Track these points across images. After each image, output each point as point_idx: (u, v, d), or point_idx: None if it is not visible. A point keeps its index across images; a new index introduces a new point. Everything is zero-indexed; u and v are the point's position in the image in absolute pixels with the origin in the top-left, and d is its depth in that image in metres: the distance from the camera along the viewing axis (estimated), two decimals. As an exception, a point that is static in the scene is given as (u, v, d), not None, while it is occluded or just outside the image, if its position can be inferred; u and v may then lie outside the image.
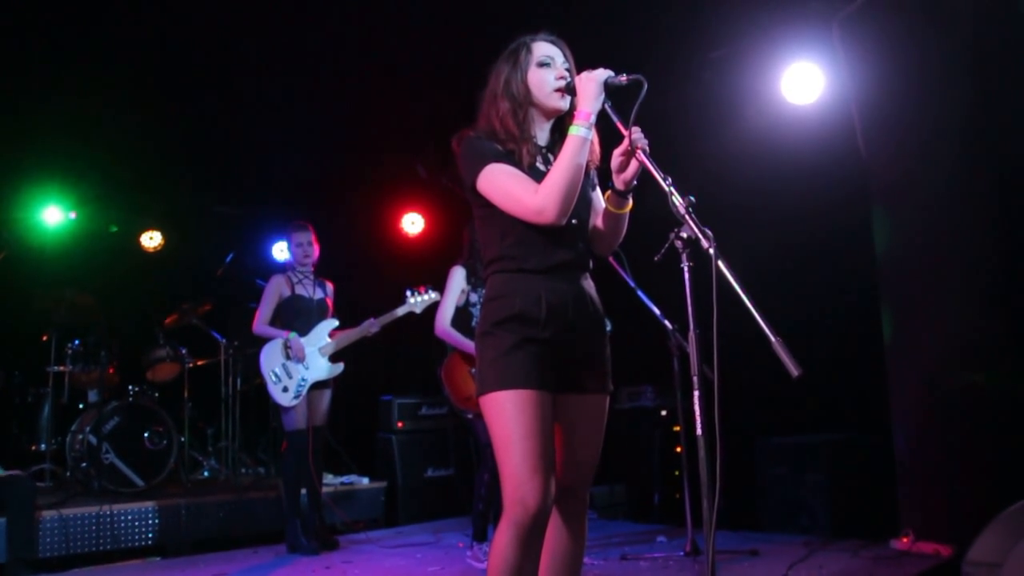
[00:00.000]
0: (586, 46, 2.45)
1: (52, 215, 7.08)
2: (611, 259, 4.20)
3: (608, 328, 2.38)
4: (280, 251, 7.82)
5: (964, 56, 4.42)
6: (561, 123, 2.32)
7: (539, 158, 2.26)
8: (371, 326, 5.00)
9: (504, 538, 2.06)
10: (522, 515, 2.04)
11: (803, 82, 5.04)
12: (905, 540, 4.26)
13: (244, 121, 6.41)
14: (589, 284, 2.30)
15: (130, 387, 6.22)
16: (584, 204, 2.29)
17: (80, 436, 5.73)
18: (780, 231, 5.41)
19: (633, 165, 2.14)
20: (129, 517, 5.08)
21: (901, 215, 4.59)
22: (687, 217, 1.93)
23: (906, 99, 4.50)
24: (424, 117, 6.29)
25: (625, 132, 2.09)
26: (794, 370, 1.71)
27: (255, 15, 5.02)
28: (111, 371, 6.26)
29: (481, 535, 4.42)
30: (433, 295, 4.94)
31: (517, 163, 2.20)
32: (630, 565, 4.26)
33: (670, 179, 1.99)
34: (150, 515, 5.15)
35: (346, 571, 4.38)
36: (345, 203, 7.72)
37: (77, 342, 6.24)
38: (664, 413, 6.09)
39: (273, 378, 4.86)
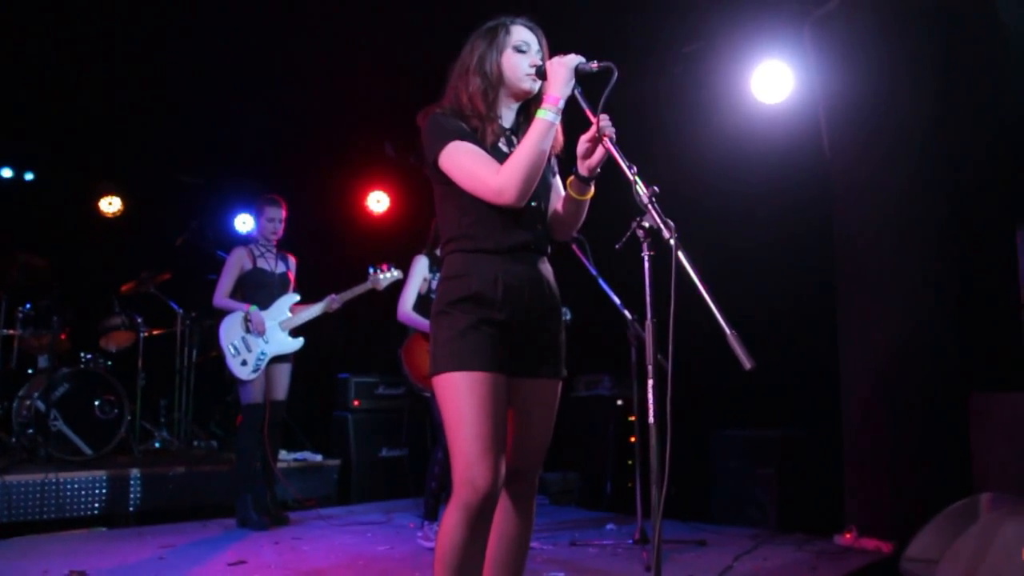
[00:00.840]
0: (559, 35, 2.44)
1: (8, 174, 6.91)
2: (574, 246, 4.22)
3: (567, 317, 2.39)
4: (243, 223, 7.73)
5: (931, 62, 4.49)
6: (528, 106, 2.32)
7: (503, 139, 2.26)
8: (332, 302, 4.97)
9: (452, 519, 2.07)
10: (471, 496, 2.05)
11: (773, 81, 5.09)
12: (848, 536, 4.36)
13: (211, 90, 6.30)
14: (547, 268, 2.31)
15: (82, 354, 6.11)
16: (544, 188, 2.30)
17: (28, 402, 5.61)
18: (742, 227, 5.47)
19: (599, 152, 2.14)
20: (75, 486, 5.00)
21: (860, 216, 4.66)
22: (650, 207, 1.94)
23: (872, 102, 4.56)
24: (394, 95, 6.22)
25: (593, 119, 2.10)
26: (747, 362, 1.73)
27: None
28: (63, 337, 6.14)
29: (432, 515, 4.43)
30: (395, 273, 4.93)
31: (480, 142, 2.19)
32: (579, 551, 4.30)
33: (635, 168, 2.00)
34: (97, 484, 5.08)
35: (296, 547, 4.36)
36: (311, 178, 7.63)
37: (28, 306, 6.09)
38: (620, 402, 6.14)
39: (232, 351, 4.81)
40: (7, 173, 7.10)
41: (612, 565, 3.97)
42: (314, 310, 4.98)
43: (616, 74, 2.09)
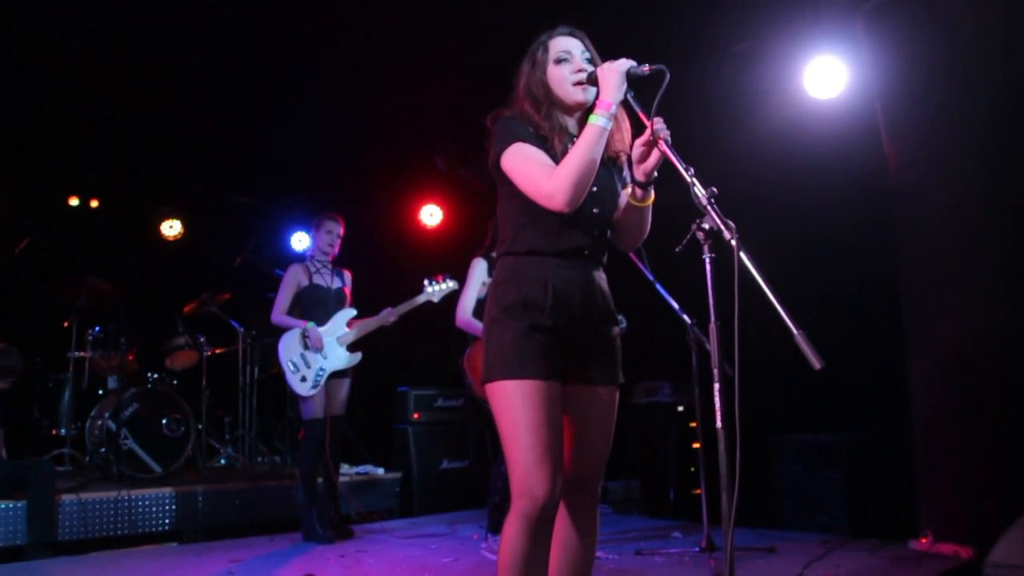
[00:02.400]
0: (607, 40, 2.44)
1: (75, 202, 7.14)
2: (630, 252, 4.18)
3: (623, 326, 2.37)
4: (299, 241, 7.85)
5: (992, 51, 4.35)
6: (588, 115, 2.30)
7: (570, 146, 2.24)
8: (389, 315, 5.00)
9: (512, 530, 2.06)
10: (530, 506, 2.03)
11: (826, 76, 4.99)
12: (924, 541, 4.22)
13: (263, 111, 6.43)
14: (600, 275, 2.29)
15: (149, 374, 6.28)
16: (610, 196, 2.28)
17: (99, 422, 5.78)
18: (801, 226, 5.38)
19: (654, 156, 2.12)
20: (146, 502, 5.12)
21: (923, 211, 4.53)
22: (709, 208, 1.91)
23: (931, 94, 4.43)
24: (444, 109, 6.28)
25: (647, 122, 2.08)
26: (816, 363, 1.69)
27: (279, 5, 5.02)
28: (130, 358, 6.31)
29: (496, 527, 4.42)
30: (451, 284, 4.94)
31: (549, 150, 2.20)
32: (645, 560, 4.24)
33: (692, 170, 1.97)
34: (167, 501, 5.19)
35: (360, 560, 4.39)
36: (364, 194, 7.73)
37: (98, 328, 6.29)
38: (681, 408, 6.06)
39: (291, 368, 4.88)
40: (74, 201, 7.35)
41: (680, 574, 3.91)
42: (371, 324, 5.02)
43: (668, 76, 2.07)
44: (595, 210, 2.22)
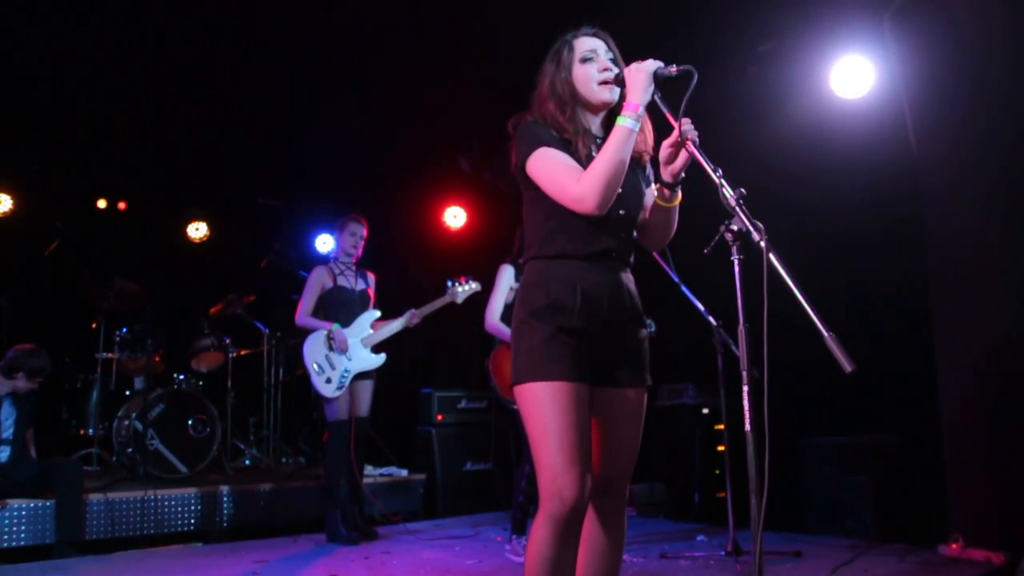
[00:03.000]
0: (632, 40, 2.42)
1: (103, 204, 7.22)
2: (655, 254, 4.16)
3: (652, 329, 2.35)
4: (323, 243, 7.89)
5: (1020, 54, 4.28)
6: (613, 116, 2.29)
7: (595, 148, 2.23)
8: (413, 317, 5.01)
9: (541, 532, 2.05)
10: (559, 508, 2.02)
11: (853, 76, 4.93)
12: (954, 546, 4.16)
13: (288, 114, 6.47)
14: (628, 277, 2.27)
15: (175, 375, 6.33)
16: (635, 196, 2.27)
17: (126, 422, 5.84)
18: (828, 227, 5.31)
19: (682, 157, 2.11)
20: (172, 502, 5.17)
21: (953, 212, 4.47)
22: (738, 209, 1.89)
23: (960, 94, 4.37)
24: (468, 111, 6.28)
25: (675, 123, 2.06)
26: (847, 365, 1.66)
27: (303, 8, 5.05)
28: (157, 359, 6.38)
29: (520, 529, 4.41)
30: (474, 285, 4.95)
31: (573, 152, 2.18)
32: (670, 563, 4.22)
33: (720, 171, 1.95)
34: (193, 501, 5.23)
35: (385, 562, 4.40)
36: (388, 196, 7.76)
37: (125, 330, 6.36)
38: (706, 411, 6.02)
39: (316, 369, 4.90)
40: (102, 204, 7.44)
41: (705, 578, 3.88)
42: (395, 326, 5.03)
43: (696, 77, 2.06)
44: (621, 212, 2.21)
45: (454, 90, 6.09)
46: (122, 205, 7.52)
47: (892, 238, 5.09)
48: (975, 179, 4.34)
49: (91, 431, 6.21)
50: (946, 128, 4.48)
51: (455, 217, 7.91)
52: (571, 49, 2.28)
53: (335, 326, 4.94)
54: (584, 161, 2.17)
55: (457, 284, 5.00)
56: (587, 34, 2.30)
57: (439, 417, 6.51)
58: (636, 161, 2.29)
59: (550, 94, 2.26)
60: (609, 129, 2.23)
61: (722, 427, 4.46)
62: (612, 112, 2.28)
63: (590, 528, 2.23)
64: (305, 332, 5.05)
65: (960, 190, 4.42)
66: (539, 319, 2.14)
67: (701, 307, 4.19)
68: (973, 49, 4.33)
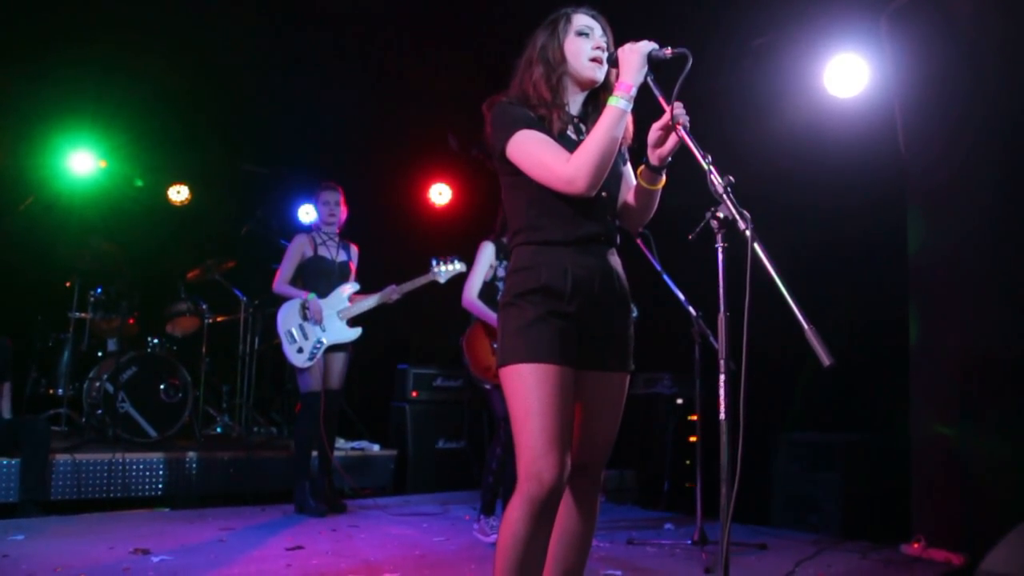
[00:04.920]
0: (624, 30, 2.40)
1: (80, 162, 7.09)
2: (638, 240, 4.15)
3: (635, 314, 2.34)
4: (306, 213, 7.82)
5: (1017, 58, 4.28)
6: (595, 96, 2.28)
7: (570, 127, 2.22)
8: (392, 292, 4.97)
9: (516, 512, 2.04)
10: (537, 490, 2.01)
11: (847, 74, 4.92)
12: (916, 545, 4.21)
13: (277, 82, 6.39)
14: (616, 260, 2.26)
15: (149, 338, 6.26)
16: (615, 178, 2.25)
17: (97, 383, 5.77)
18: (811, 225, 5.32)
19: (671, 140, 2.09)
20: (140, 466, 5.12)
21: (938, 218, 4.49)
22: (725, 197, 1.88)
23: (952, 99, 4.38)
24: (457, 87, 6.22)
25: (666, 107, 2.04)
26: (826, 359, 1.66)
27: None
28: (131, 321, 6.30)
29: (489, 509, 4.41)
30: (459, 266, 4.91)
31: (547, 130, 2.16)
32: (637, 550, 4.23)
33: (710, 157, 1.94)
34: (161, 466, 5.20)
35: (352, 535, 4.38)
36: (374, 170, 7.69)
37: (99, 290, 6.28)
38: (680, 401, 6.04)
39: (289, 338, 4.87)
40: (82, 162, 7.28)
41: (670, 566, 3.90)
42: (373, 300, 4.99)
43: (691, 60, 2.03)
44: (604, 194, 2.19)
45: (444, 66, 6.04)
46: (102, 164, 7.39)
47: (875, 241, 5.12)
48: (961, 186, 4.36)
49: (60, 391, 6.13)
50: (936, 133, 4.49)
51: (440, 194, 7.86)
52: (568, 21, 2.25)
53: (311, 295, 4.89)
54: (557, 137, 2.15)
55: (441, 263, 4.95)
56: (586, 12, 2.28)
57: (414, 394, 6.49)
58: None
59: (539, 58, 2.23)
60: (588, 111, 2.21)
61: (695, 418, 4.47)
62: (594, 94, 2.27)
63: (563, 511, 2.22)
64: (282, 300, 5.01)
65: (948, 198, 4.43)
66: (528, 301, 2.12)
67: (682, 296, 4.19)
68: (970, 55, 4.32)
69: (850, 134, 5.03)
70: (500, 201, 2.36)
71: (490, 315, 4.37)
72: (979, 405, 4.18)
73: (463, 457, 6.52)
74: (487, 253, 4.53)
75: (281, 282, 4.97)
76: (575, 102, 2.28)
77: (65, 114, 6.77)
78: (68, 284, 6.28)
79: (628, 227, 2.34)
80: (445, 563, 3.78)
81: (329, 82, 6.38)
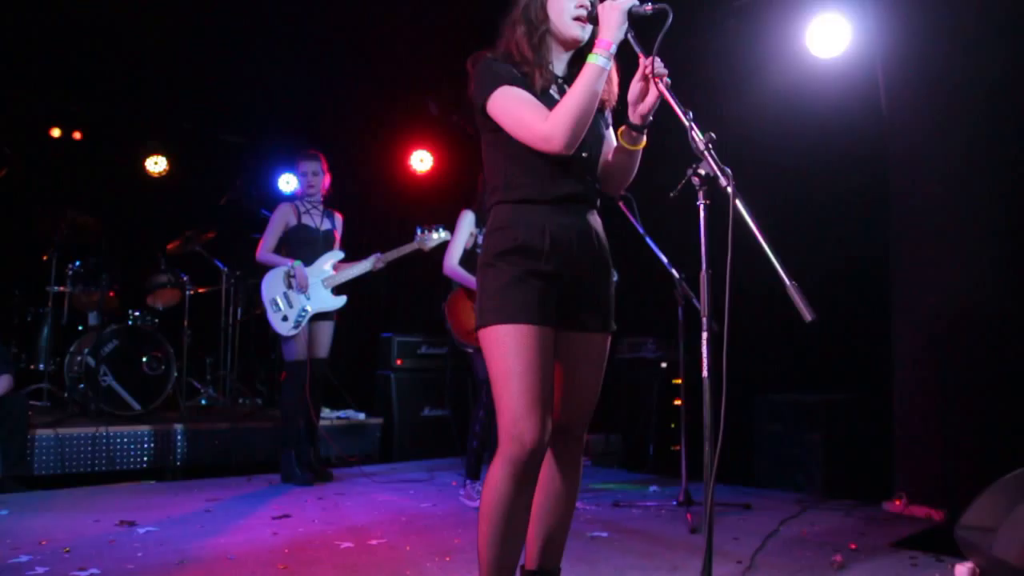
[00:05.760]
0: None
1: (56, 133, 6.97)
2: (621, 204, 4.13)
3: (614, 277, 2.32)
4: (286, 183, 7.73)
5: (997, 20, 4.26)
6: (580, 56, 2.24)
7: (553, 86, 2.18)
8: (377, 261, 4.95)
9: (498, 474, 2.03)
10: (518, 451, 2.00)
11: (829, 34, 4.89)
12: (898, 503, 4.27)
13: (254, 49, 6.28)
14: (596, 220, 2.24)
15: (130, 311, 6.20)
16: (596, 139, 2.22)
17: (79, 357, 5.73)
18: (794, 185, 5.32)
19: (651, 97, 2.06)
20: (124, 440, 5.10)
21: (917, 178, 4.48)
22: (706, 154, 1.85)
23: (933, 59, 4.36)
24: (438, 53, 6.14)
25: (645, 60, 2.01)
26: (808, 314, 1.65)
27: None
28: (111, 294, 6.24)
29: (474, 474, 4.43)
30: (443, 234, 4.88)
31: (530, 88, 2.12)
32: (622, 512, 4.27)
33: (691, 114, 1.91)
34: (145, 439, 5.18)
35: (339, 503, 4.39)
36: (354, 137, 7.61)
37: (78, 263, 6.20)
38: (664, 365, 6.06)
39: (273, 306, 4.84)
40: (56, 133, 7.19)
41: (656, 526, 3.93)
42: (357, 268, 4.97)
43: (671, 16, 2.00)
44: (584, 154, 2.16)
45: (424, 31, 5.95)
46: (77, 135, 7.27)
47: (856, 200, 5.12)
48: (941, 147, 4.35)
49: (42, 366, 6.08)
50: (917, 93, 4.47)
51: (422, 161, 7.79)
52: None
53: (296, 263, 4.86)
54: (539, 95, 2.12)
55: (426, 232, 4.92)
56: None
57: (398, 362, 6.49)
58: (599, 107, 2.24)
59: (522, 17, 2.19)
60: (573, 72, 2.18)
61: (679, 381, 4.49)
62: (579, 53, 2.23)
63: (546, 472, 2.22)
64: (266, 270, 4.96)
65: (925, 157, 4.43)
66: (506, 262, 2.10)
67: (664, 259, 4.18)
68: (948, 18, 4.30)
69: (832, 93, 5.01)
70: (481, 169, 2.32)
71: (472, 280, 4.37)
72: (959, 361, 4.22)
73: (448, 424, 6.54)
74: (467, 221, 4.54)
75: (264, 250, 4.93)
76: (559, 61, 2.25)
77: (39, 83, 6.65)
78: (45, 258, 6.20)
79: (609, 190, 2.31)
80: (432, 528, 3.80)
81: (307, 48, 6.28)
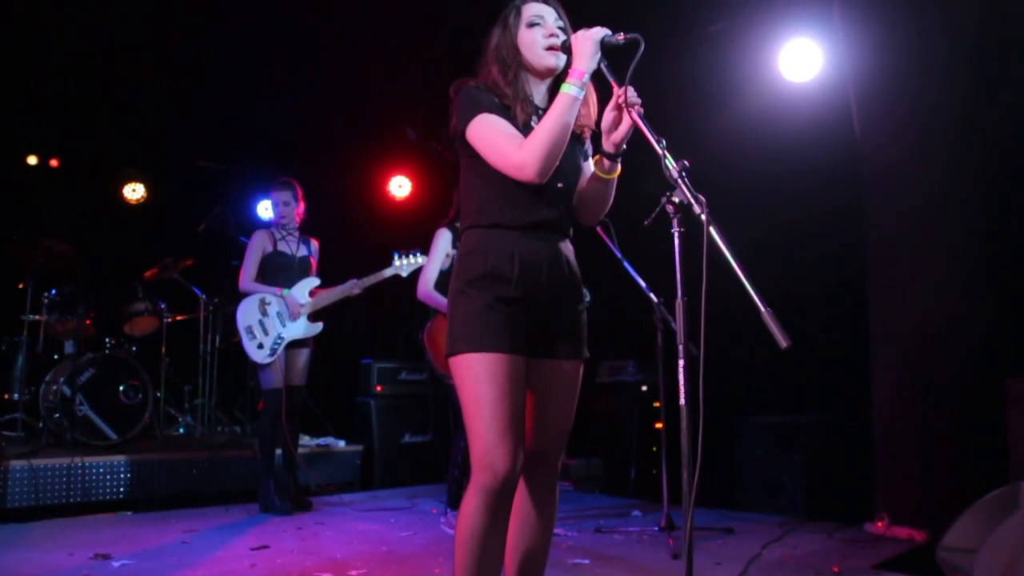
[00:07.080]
0: (580, 16, 2.38)
1: (33, 161, 6.92)
2: (598, 228, 4.14)
3: (587, 299, 2.32)
4: (265, 209, 7.70)
5: (965, 43, 4.34)
6: (558, 85, 2.25)
7: (535, 117, 2.19)
8: (353, 287, 4.93)
9: (472, 504, 2.02)
10: (491, 480, 2.00)
11: (801, 59, 4.97)
12: (880, 524, 4.27)
13: (233, 76, 6.28)
14: (567, 247, 2.24)
15: (107, 339, 6.13)
16: (573, 169, 2.23)
17: (54, 387, 5.64)
18: (769, 209, 5.36)
19: (624, 126, 2.08)
20: (101, 470, 5.02)
21: (891, 200, 4.54)
22: (680, 181, 1.86)
23: (904, 83, 4.43)
24: (415, 79, 6.18)
25: (618, 90, 2.03)
26: (783, 341, 1.66)
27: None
28: (88, 322, 6.16)
29: (456, 502, 4.39)
30: (420, 259, 4.87)
31: (512, 119, 2.14)
32: (604, 538, 4.24)
33: (664, 141, 1.92)
34: (122, 469, 5.10)
35: (318, 532, 4.34)
36: (333, 163, 7.60)
37: (54, 291, 6.12)
38: (645, 388, 6.06)
39: (248, 335, 4.79)
40: (32, 160, 7.13)
41: (638, 552, 3.91)
42: (333, 294, 4.94)
43: (643, 46, 2.02)
44: (559, 184, 2.17)
45: (402, 58, 5.98)
46: (54, 162, 7.21)
47: (831, 223, 5.17)
48: (915, 169, 4.41)
49: (16, 396, 5.97)
50: (890, 116, 4.53)
51: (400, 187, 7.80)
52: (518, 14, 2.23)
53: (286, 291, 4.84)
54: (522, 128, 2.13)
55: (403, 257, 4.91)
56: (536, 0, 2.25)
57: (378, 388, 6.45)
58: (576, 136, 2.25)
59: (495, 57, 2.21)
60: (553, 98, 2.19)
61: (659, 404, 4.48)
62: (557, 80, 2.24)
63: (521, 501, 2.21)
64: (242, 297, 4.93)
65: (900, 178, 4.49)
66: (476, 288, 2.10)
67: (642, 283, 4.19)
68: (919, 40, 4.37)
69: (805, 118, 5.08)
70: (455, 188, 2.33)
71: (445, 304, 4.33)
72: (937, 382, 4.25)
73: (429, 451, 6.50)
74: (443, 241, 4.49)
75: (247, 279, 4.89)
76: (538, 92, 2.26)
77: (16, 110, 6.61)
78: (21, 286, 6.12)
79: (585, 221, 2.33)
80: (412, 558, 3.76)
81: (285, 76, 6.29)
